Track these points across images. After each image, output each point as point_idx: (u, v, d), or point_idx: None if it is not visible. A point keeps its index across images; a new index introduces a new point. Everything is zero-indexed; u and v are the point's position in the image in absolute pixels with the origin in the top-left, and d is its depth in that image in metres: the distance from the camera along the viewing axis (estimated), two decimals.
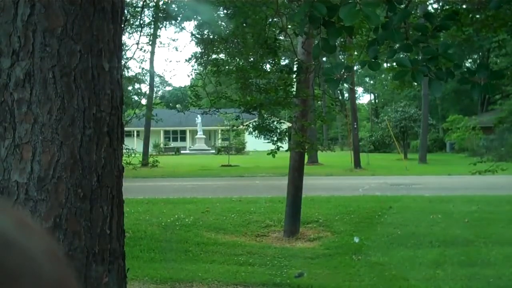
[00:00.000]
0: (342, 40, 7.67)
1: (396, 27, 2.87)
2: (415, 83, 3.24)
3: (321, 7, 2.73)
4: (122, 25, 2.17)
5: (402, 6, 3.20)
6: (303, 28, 2.97)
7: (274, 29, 8.55)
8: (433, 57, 2.89)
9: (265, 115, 9.60)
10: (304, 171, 9.84)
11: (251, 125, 10.70)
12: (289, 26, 8.68)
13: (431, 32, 3.04)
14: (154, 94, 30.94)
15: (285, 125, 13.30)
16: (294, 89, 8.97)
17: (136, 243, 8.29)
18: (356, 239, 8.76)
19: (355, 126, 27.50)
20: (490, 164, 9.50)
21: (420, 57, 3.07)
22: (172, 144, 44.52)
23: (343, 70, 3.08)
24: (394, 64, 4.41)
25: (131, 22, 12.17)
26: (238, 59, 9.50)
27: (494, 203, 11.99)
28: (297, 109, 9.00)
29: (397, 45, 3.04)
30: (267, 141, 9.65)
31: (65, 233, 1.84)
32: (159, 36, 22.62)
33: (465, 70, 3.05)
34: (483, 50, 38.92)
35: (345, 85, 3.89)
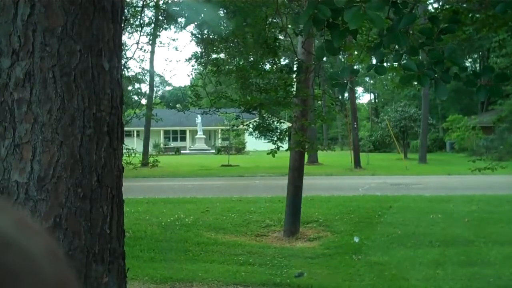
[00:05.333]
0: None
1: (402, 31, 2.86)
2: (415, 83, 3.23)
3: (325, 10, 2.72)
4: (122, 25, 2.17)
5: (407, 9, 3.20)
6: (308, 30, 2.97)
7: (274, 29, 8.55)
8: (439, 61, 2.88)
9: (265, 115, 9.61)
10: (304, 171, 9.84)
11: (251, 125, 10.70)
12: (289, 26, 8.67)
13: (436, 35, 3.03)
14: (154, 94, 30.95)
15: (285, 125, 13.31)
16: (294, 89, 8.97)
17: (136, 242, 8.30)
18: (356, 239, 8.77)
19: (355, 125, 27.51)
20: (489, 162, 9.52)
21: (425, 60, 3.07)
22: (172, 144, 44.50)
23: (349, 74, 3.08)
24: (395, 63, 4.41)
25: (131, 22, 12.17)
26: (238, 59, 9.51)
27: (494, 203, 11.99)
28: (297, 109, 9.00)
29: (402, 48, 3.03)
30: (267, 141, 9.66)
31: (65, 233, 1.84)
32: (159, 36, 22.64)
33: (471, 72, 3.05)
34: (483, 49, 38.93)
35: None
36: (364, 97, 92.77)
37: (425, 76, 2.86)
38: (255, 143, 26.52)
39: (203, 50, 10.28)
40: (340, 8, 2.74)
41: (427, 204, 12.21)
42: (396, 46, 3.11)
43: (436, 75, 2.90)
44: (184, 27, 10.60)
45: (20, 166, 1.83)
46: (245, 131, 14.25)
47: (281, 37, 9.54)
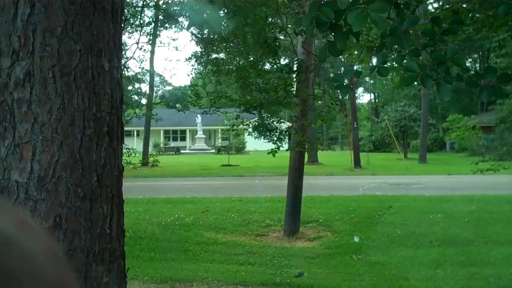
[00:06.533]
0: None
1: (404, 32, 2.86)
2: (415, 83, 3.24)
3: (328, 12, 2.72)
4: (122, 25, 2.17)
5: (409, 10, 3.19)
6: (311, 31, 2.96)
7: (274, 29, 8.55)
8: (442, 62, 2.88)
9: (265, 115, 9.61)
10: (304, 171, 9.84)
11: (251, 125, 10.70)
12: (289, 26, 8.67)
13: (439, 36, 3.03)
14: (154, 94, 30.96)
15: (285, 125, 13.32)
16: (294, 88, 8.97)
17: (136, 242, 8.30)
18: (356, 239, 8.77)
19: (355, 125, 27.51)
20: (491, 163, 9.52)
21: (426, 61, 3.06)
22: (172, 144, 44.49)
23: (352, 76, 3.08)
24: (395, 64, 4.41)
25: (131, 21, 12.17)
26: (238, 59, 9.50)
27: (494, 202, 11.99)
28: (297, 109, 9.00)
29: (404, 49, 3.02)
30: (267, 141, 9.66)
31: (65, 233, 1.84)
32: (159, 35, 22.67)
33: (473, 73, 3.04)
34: (483, 49, 38.92)
35: None
36: (364, 97, 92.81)
37: (428, 77, 2.86)
38: (255, 143, 26.53)
39: (203, 50, 10.28)
40: (343, 10, 2.73)
41: (427, 204, 12.21)
42: (398, 47, 3.10)
43: (438, 76, 2.89)
44: (187, 29, 10.61)
45: (20, 166, 1.83)
46: (245, 131, 14.26)
47: (281, 37, 9.54)
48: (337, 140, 52.94)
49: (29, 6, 1.80)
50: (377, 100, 60.82)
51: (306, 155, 11.17)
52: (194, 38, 10.68)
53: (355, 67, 6.20)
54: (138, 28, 13.17)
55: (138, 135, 38.69)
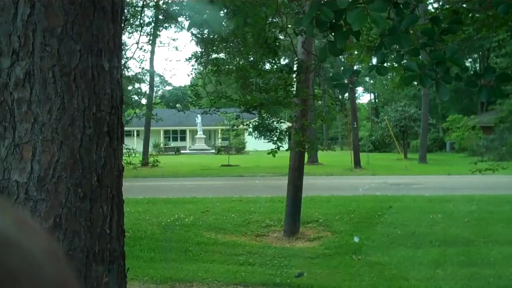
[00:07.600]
0: None
1: (403, 32, 2.86)
2: (416, 83, 3.24)
3: (328, 12, 2.72)
4: (122, 25, 2.17)
5: (408, 10, 3.20)
6: (311, 31, 2.97)
7: (274, 29, 8.55)
8: (441, 62, 2.88)
9: (265, 115, 9.61)
10: (304, 171, 9.84)
11: (251, 125, 10.71)
12: (289, 26, 8.67)
13: (438, 36, 3.03)
14: (154, 94, 30.96)
15: (285, 125, 13.32)
16: (294, 88, 8.98)
17: (136, 242, 8.30)
18: (356, 239, 8.77)
19: (355, 125, 27.51)
20: (490, 163, 9.52)
21: (425, 61, 3.06)
22: (172, 144, 44.50)
23: (350, 75, 3.08)
24: (395, 64, 4.41)
25: (131, 22, 12.18)
26: (238, 59, 9.50)
27: (494, 203, 11.99)
28: (297, 109, 9.01)
29: (403, 48, 3.03)
30: (267, 141, 9.66)
31: (65, 233, 1.84)
32: (159, 35, 22.67)
33: (472, 73, 3.04)
34: (483, 49, 38.95)
35: None
36: (364, 97, 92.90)
37: (427, 77, 2.86)
38: (255, 143, 26.53)
39: (203, 50, 10.28)
40: (343, 9, 2.73)
41: (427, 204, 12.21)
42: (397, 47, 3.10)
43: (437, 76, 2.89)
44: (187, 29, 10.61)
45: (20, 166, 1.83)
46: (245, 131, 14.27)
47: (281, 37, 9.54)
48: (337, 140, 52.95)
49: (29, 6, 1.80)
50: (377, 100, 60.82)
51: (306, 155, 11.17)
52: (194, 38, 10.68)
53: (355, 67, 6.20)
54: (138, 28, 13.19)
55: (138, 135, 38.68)
